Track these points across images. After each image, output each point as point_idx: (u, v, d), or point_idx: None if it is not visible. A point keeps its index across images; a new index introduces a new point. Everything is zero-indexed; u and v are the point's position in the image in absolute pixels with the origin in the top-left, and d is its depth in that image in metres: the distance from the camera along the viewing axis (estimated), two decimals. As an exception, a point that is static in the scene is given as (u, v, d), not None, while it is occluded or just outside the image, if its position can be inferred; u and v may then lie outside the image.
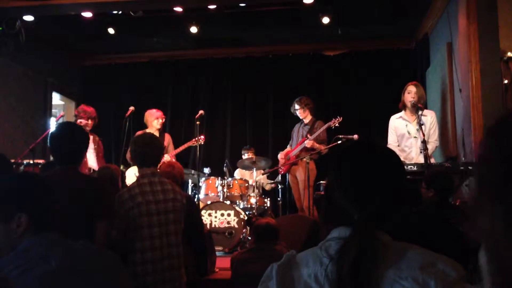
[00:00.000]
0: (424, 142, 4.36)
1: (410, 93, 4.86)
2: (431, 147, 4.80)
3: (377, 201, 1.11)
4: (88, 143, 2.85)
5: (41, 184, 1.70)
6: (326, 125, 5.82)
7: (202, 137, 5.94)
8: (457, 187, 4.53)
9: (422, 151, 4.36)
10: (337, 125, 5.74)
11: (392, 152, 1.23)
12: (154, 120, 5.95)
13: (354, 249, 1.03)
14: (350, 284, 1.01)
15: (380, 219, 1.10)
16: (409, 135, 4.91)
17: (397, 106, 5.07)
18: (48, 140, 2.68)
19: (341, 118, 5.73)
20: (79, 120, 5.36)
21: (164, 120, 6.13)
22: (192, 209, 3.93)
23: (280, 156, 6.19)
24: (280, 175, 6.39)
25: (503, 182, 0.55)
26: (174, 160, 5.70)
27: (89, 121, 5.42)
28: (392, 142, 5.01)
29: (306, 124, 6.08)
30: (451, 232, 2.90)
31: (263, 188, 6.88)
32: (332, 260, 1.06)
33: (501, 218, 0.54)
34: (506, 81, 4.53)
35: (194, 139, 5.91)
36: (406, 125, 4.93)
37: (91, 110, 5.49)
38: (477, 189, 0.61)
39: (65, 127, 2.88)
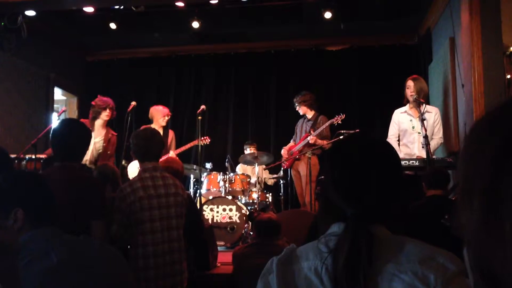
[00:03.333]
0: (426, 137, 4.35)
1: (409, 88, 4.84)
2: (435, 143, 4.78)
3: (370, 196, 1.09)
4: (89, 140, 2.83)
5: (35, 179, 1.71)
6: (329, 122, 5.82)
7: (206, 137, 5.91)
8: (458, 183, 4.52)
9: (424, 145, 4.35)
10: (339, 122, 5.75)
11: (386, 145, 1.21)
12: (160, 118, 5.88)
13: (346, 245, 1.03)
14: (345, 279, 1.01)
15: (375, 214, 1.09)
16: (412, 130, 4.88)
17: (399, 101, 5.06)
18: (50, 136, 2.68)
19: (344, 115, 5.73)
20: (103, 112, 5.21)
21: (169, 117, 6.10)
22: (192, 206, 3.93)
23: (283, 151, 6.19)
24: (282, 170, 6.39)
25: (481, 176, 0.54)
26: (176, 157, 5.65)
27: (107, 111, 5.29)
28: (392, 136, 5.01)
29: (309, 120, 6.08)
30: (436, 229, 2.89)
31: (265, 183, 6.89)
32: (330, 254, 1.06)
33: (477, 214, 0.54)
34: (508, 76, 4.51)
35: (198, 139, 5.79)
36: (411, 120, 4.90)
37: (110, 101, 5.33)
38: (459, 183, 0.61)
39: (66, 124, 2.88)
